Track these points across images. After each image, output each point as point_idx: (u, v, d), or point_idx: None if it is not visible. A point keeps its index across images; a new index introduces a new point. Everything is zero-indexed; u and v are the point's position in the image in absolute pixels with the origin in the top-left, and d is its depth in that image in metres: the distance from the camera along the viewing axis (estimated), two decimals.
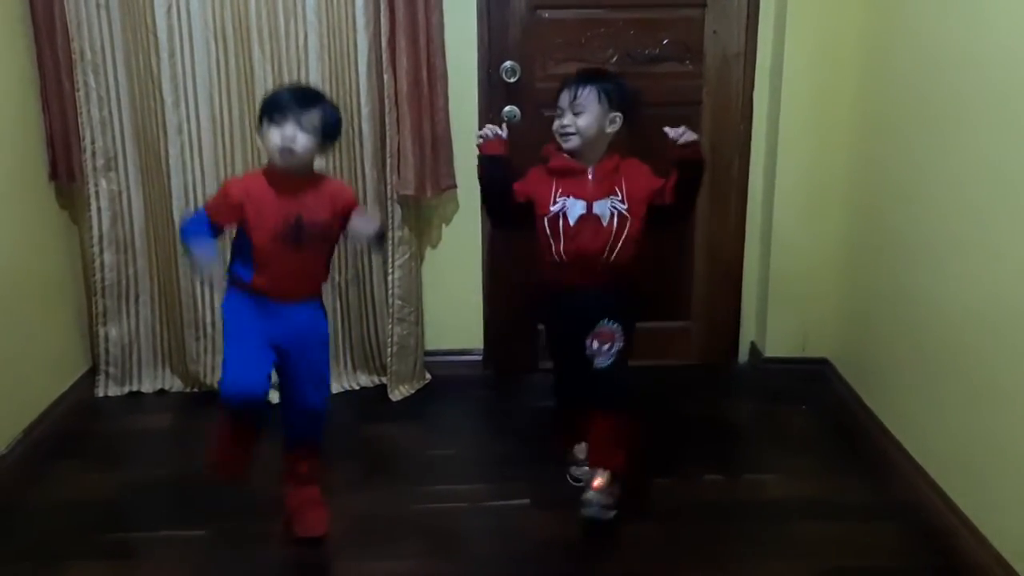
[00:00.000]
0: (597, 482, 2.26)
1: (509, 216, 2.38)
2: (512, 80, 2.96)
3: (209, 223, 2.11)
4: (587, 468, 2.37)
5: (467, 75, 2.93)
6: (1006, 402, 2.00)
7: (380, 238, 2.28)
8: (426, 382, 3.12)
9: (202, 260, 2.08)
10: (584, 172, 2.28)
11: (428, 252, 3.08)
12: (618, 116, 2.27)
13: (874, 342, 2.74)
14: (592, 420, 2.30)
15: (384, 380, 3.06)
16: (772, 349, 3.13)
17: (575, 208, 2.26)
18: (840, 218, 2.95)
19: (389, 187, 2.88)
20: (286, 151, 2.06)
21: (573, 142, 2.26)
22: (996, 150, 2.03)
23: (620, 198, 2.26)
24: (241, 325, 2.17)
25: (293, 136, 2.05)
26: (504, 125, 2.34)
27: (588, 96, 2.23)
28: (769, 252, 3.06)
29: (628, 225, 2.27)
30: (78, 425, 2.84)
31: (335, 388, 3.06)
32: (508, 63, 2.95)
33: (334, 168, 2.88)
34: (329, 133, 2.14)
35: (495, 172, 2.32)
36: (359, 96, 2.81)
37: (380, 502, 2.42)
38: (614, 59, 2.97)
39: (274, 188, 2.11)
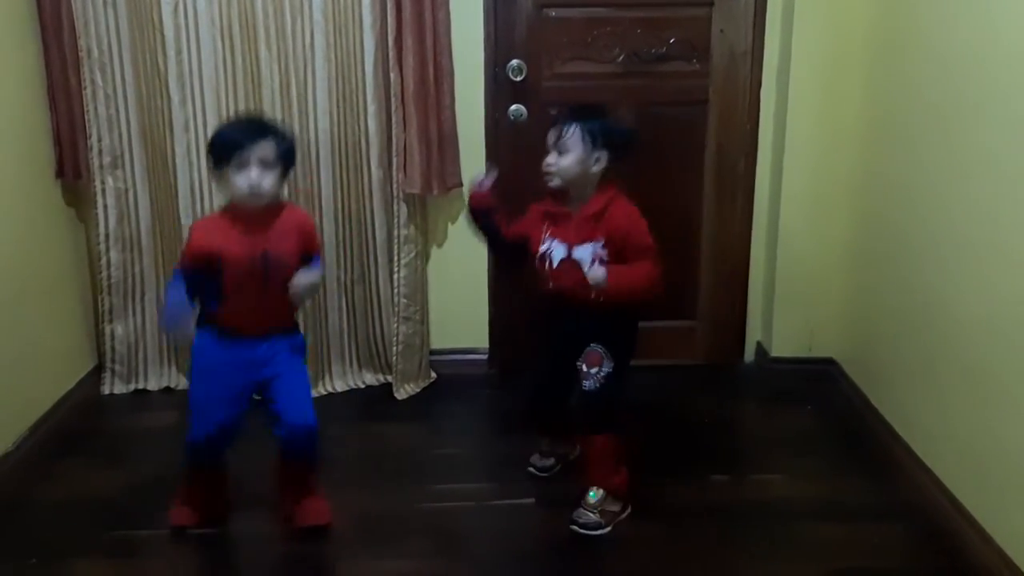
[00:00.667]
0: (588, 500, 2.30)
1: (506, 255, 2.45)
2: (518, 79, 2.96)
3: (183, 276, 2.10)
4: (551, 462, 2.53)
5: (473, 74, 2.92)
6: (1013, 403, 1.99)
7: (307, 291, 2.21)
8: (431, 381, 3.12)
9: (170, 317, 2.10)
10: (568, 216, 2.26)
11: (434, 251, 3.08)
12: (603, 155, 2.22)
13: (881, 342, 2.73)
14: (582, 442, 2.40)
15: (389, 379, 3.06)
16: (778, 349, 3.12)
17: (558, 251, 2.25)
18: (847, 218, 2.95)
19: (395, 186, 2.88)
20: (255, 194, 2.05)
21: (555, 181, 2.25)
22: (1004, 151, 2.03)
23: (603, 243, 2.20)
24: (211, 374, 2.18)
25: (259, 178, 2.03)
26: (490, 172, 2.37)
27: (572, 135, 2.21)
28: (776, 251, 3.05)
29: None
30: (84, 422, 2.85)
31: (340, 387, 3.06)
32: (514, 62, 2.95)
33: (341, 167, 2.89)
34: (288, 160, 2.12)
35: (481, 223, 2.37)
36: (365, 94, 2.81)
37: (385, 500, 2.42)
38: (620, 58, 2.97)
39: (238, 226, 2.10)
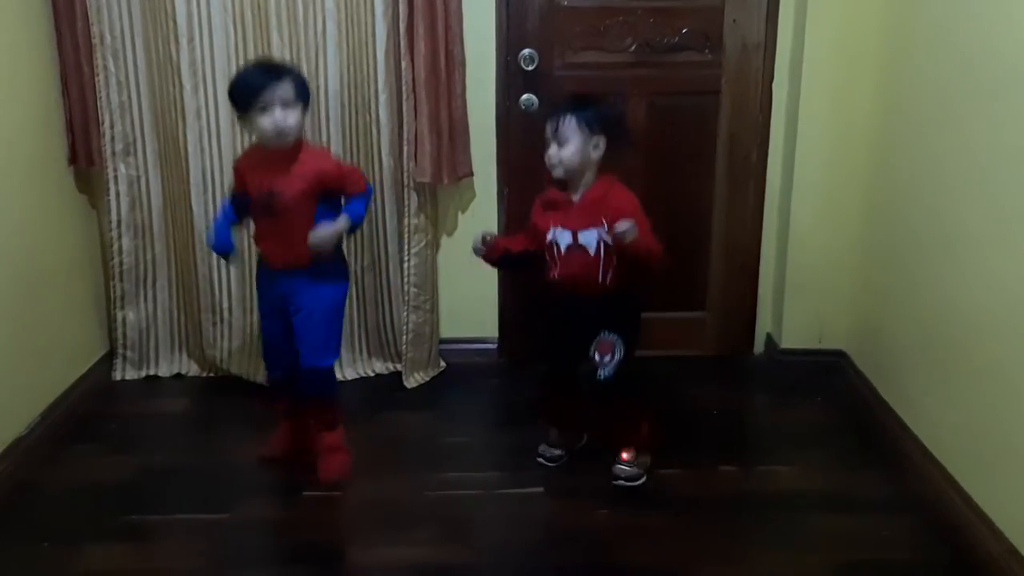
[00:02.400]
0: (625, 454, 2.45)
1: (522, 267, 2.49)
2: (530, 68, 2.95)
3: (232, 197, 2.37)
4: (560, 451, 2.55)
5: (485, 63, 2.92)
6: (1022, 396, 1.99)
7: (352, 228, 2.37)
8: (441, 370, 3.13)
9: (211, 234, 2.36)
10: (570, 202, 2.32)
11: (444, 240, 3.08)
12: (601, 140, 2.28)
13: (891, 335, 2.72)
14: (605, 418, 2.49)
15: (399, 367, 3.07)
16: (788, 341, 3.12)
17: (564, 237, 2.31)
18: (858, 210, 2.94)
19: (406, 174, 2.88)
20: (281, 133, 2.18)
21: (558, 172, 2.30)
22: (1017, 144, 2.01)
23: (606, 228, 2.25)
24: (259, 299, 2.49)
25: (284, 117, 2.16)
26: (483, 239, 2.45)
27: (569, 125, 2.26)
28: (786, 243, 3.04)
29: (615, 255, 2.28)
30: (95, 408, 2.87)
31: (350, 375, 3.07)
32: (526, 51, 2.94)
33: (352, 156, 2.89)
34: (305, 97, 2.25)
35: (507, 266, 2.56)
36: (377, 83, 2.81)
37: (394, 489, 2.43)
38: (632, 48, 2.96)
39: (258, 162, 2.29)
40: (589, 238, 2.27)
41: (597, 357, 2.32)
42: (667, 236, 3.10)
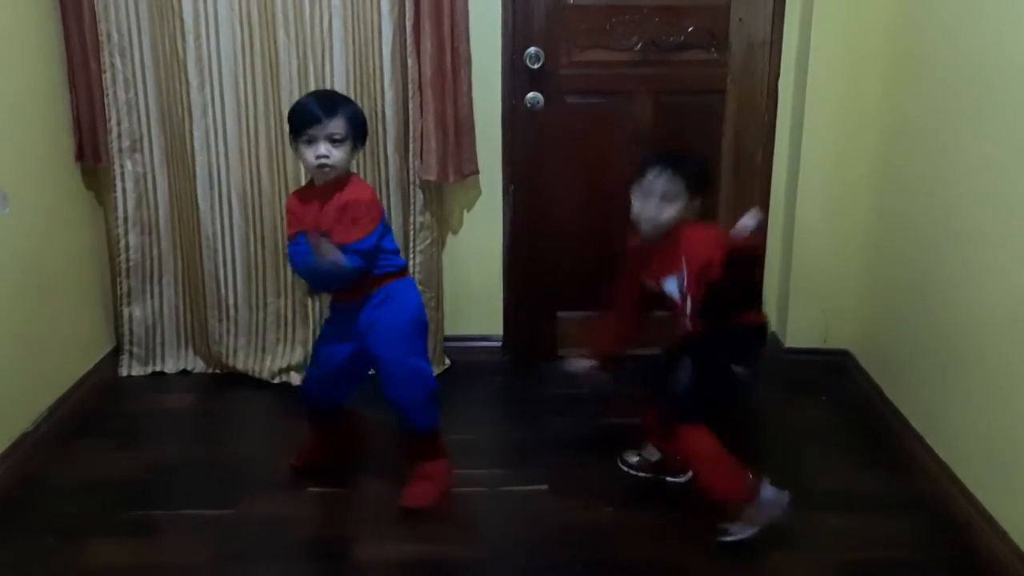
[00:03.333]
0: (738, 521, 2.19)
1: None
2: (536, 66, 2.95)
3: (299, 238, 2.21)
4: (636, 459, 2.49)
5: (491, 61, 2.92)
6: None
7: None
8: (446, 367, 3.13)
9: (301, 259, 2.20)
10: (652, 251, 2.22)
11: (449, 238, 3.09)
12: (698, 200, 2.18)
13: (896, 334, 2.72)
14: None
15: None
16: (793, 340, 3.11)
17: (660, 287, 2.22)
18: (864, 209, 2.93)
19: (411, 172, 2.88)
20: (323, 169, 2.15)
21: (647, 228, 2.19)
22: None
23: (685, 273, 2.14)
24: (322, 330, 2.44)
25: (328, 153, 2.13)
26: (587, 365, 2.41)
27: (671, 183, 2.13)
28: (792, 242, 3.04)
29: (697, 299, 2.15)
30: (102, 404, 2.87)
31: None
32: (532, 49, 2.94)
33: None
34: (360, 135, 2.20)
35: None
36: (383, 81, 2.81)
37: (399, 485, 2.42)
38: (638, 46, 2.96)
39: (306, 202, 2.22)
40: (672, 287, 2.18)
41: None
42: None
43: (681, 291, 2.16)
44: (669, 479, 2.46)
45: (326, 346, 2.37)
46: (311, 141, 2.13)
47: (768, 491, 2.15)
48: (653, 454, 2.49)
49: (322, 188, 2.20)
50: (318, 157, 2.13)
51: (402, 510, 2.28)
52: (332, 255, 2.11)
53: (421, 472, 2.34)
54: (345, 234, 2.14)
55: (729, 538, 2.17)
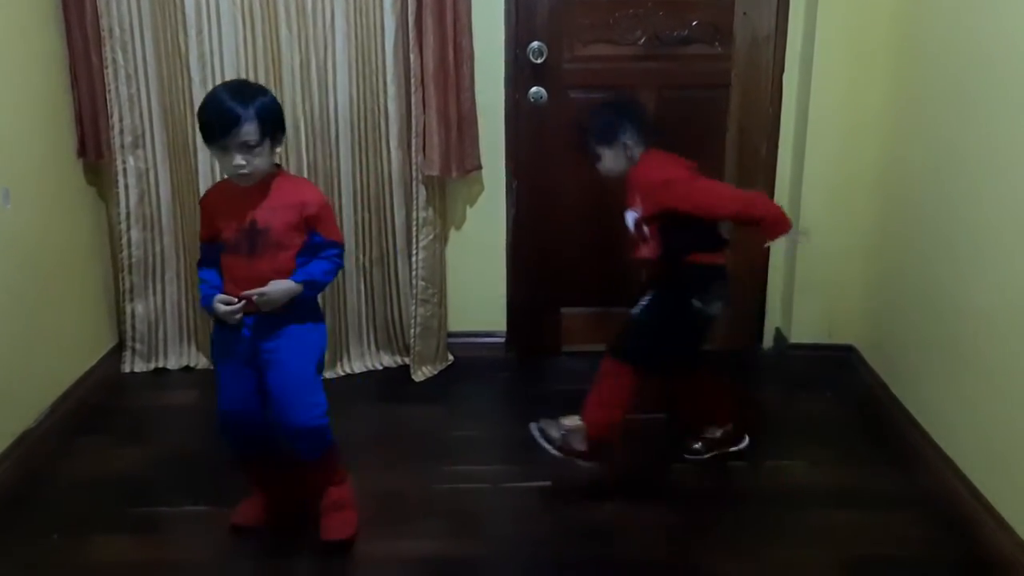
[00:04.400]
0: (569, 421, 2.35)
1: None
2: (539, 61, 2.94)
3: (206, 246, 2.11)
4: (699, 444, 2.55)
5: (494, 55, 2.91)
6: None
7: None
8: (449, 363, 3.12)
9: (205, 300, 2.06)
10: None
11: (452, 233, 3.08)
12: (625, 144, 2.37)
13: (901, 329, 2.71)
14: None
15: (407, 361, 3.07)
16: (797, 335, 3.10)
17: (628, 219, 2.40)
18: (869, 204, 2.92)
19: (414, 167, 2.87)
20: (242, 177, 1.99)
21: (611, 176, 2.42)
22: None
23: (639, 208, 2.34)
24: (222, 349, 2.13)
25: (243, 163, 1.96)
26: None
27: (593, 144, 2.39)
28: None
29: (648, 232, 2.34)
30: (104, 400, 2.87)
31: (358, 368, 3.07)
32: (535, 44, 2.93)
33: (360, 149, 2.88)
34: (275, 129, 2.02)
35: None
36: (385, 76, 2.80)
37: (402, 482, 2.43)
38: (642, 40, 2.94)
39: (230, 199, 2.05)
40: (629, 218, 2.38)
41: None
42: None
43: (638, 222, 2.33)
44: (732, 449, 2.54)
45: (237, 388, 2.10)
46: (224, 149, 1.96)
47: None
48: (712, 432, 2.54)
49: (253, 185, 2.03)
50: (236, 167, 1.96)
51: (325, 544, 2.14)
52: (285, 288, 2.00)
53: (333, 502, 2.19)
54: (329, 229, 2.09)
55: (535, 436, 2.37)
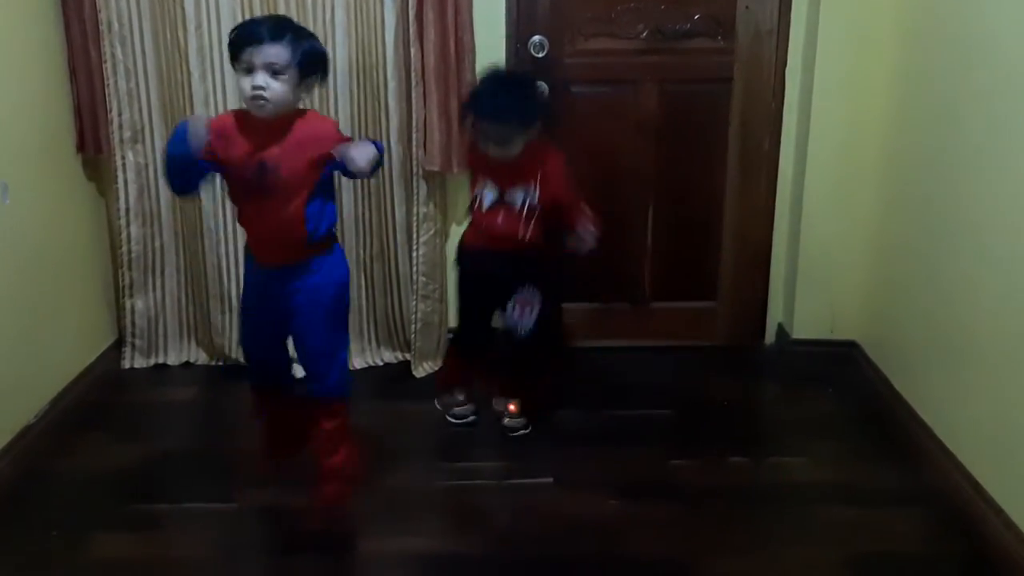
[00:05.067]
0: (512, 407, 2.62)
1: None
2: (540, 55, 2.92)
3: (187, 141, 1.94)
4: (471, 407, 2.70)
5: (495, 50, 2.89)
6: None
7: (375, 169, 2.00)
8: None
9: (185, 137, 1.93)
10: (501, 163, 2.43)
11: (453, 229, 3.06)
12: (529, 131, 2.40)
13: (904, 325, 2.70)
14: (510, 367, 2.65)
15: (408, 356, 3.06)
16: (800, 331, 3.09)
17: (489, 196, 2.47)
18: (872, 199, 2.91)
19: (415, 163, 2.86)
20: (258, 101, 1.91)
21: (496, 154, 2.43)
22: None
23: (535, 191, 2.42)
24: (246, 294, 2.18)
25: (264, 84, 1.88)
26: None
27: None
28: (799, 232, 3.01)
29: (536, 213, 2.44)
30: (104, 396, 2.87)
31: (359, 364, 3.06)
32: (536, 38, 2.92)
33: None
34: (309, 67, 1.95)
35: None
36: (386, 70, 2.79)
37: (403, 478, 2.42)
38: (644, 34, 2.93)
39: (243, 129, 1.98)
40: (516, 197, 2.43)
41: (518, 312, 2.48)
42: (678, 225, 3.13)
43: (527, 202, 2.41)
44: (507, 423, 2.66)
45: (258, 319, 2.17)
46: (249, 69, 1.88)
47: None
48: (464, 395, 2.70)
49: (264, 120, 1.95)
50: (254, 88, 1.88)
51: (306, 530, 2.18)
52: (370, 151, 1.93)
53: (332, 467, 2.21)
54: (360, 145, 1.99)
55: (511, 432, 2.62)
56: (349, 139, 2.05)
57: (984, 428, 2.21)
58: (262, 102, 1.90)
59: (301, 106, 2.05)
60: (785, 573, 2.08)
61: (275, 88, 1.90)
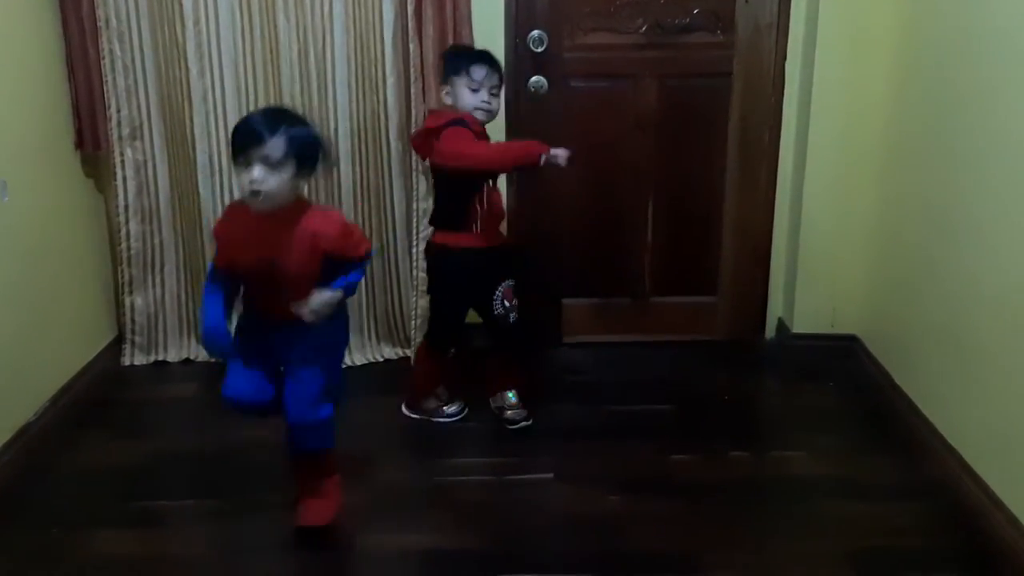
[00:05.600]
0: (514, 400, 2.65)
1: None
2: (539, 50, 2.92)
3: (217, 271, 2.06)
4: (456, 407, 2.72)
5: (494, 45, 2.87)
6: None
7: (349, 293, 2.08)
8: (450, 355, 3.10)
9: (208, 340, 2.05)
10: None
11: None
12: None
13: (904, 319, 2.69)
14: (499, 361, 2.69)
15: (408, 352, 3.06)
16: (800, 325, 3.09)
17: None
18: (873, 193, 2.90)
19: (414, 158, 2.85)
20: (254, 196, 1.90)
21: (488, 120, 2.49)
22: None
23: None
24: (242, 338, 2.13)
25: (261, 179, 1.88)
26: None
27: (497, 80, 2.48)
28: (799, 226, 3.01)
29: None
30: (104, 393, 2.86)
31: (359, 360, 3.06)
32: (535, 32, 2.91)
33: (359, 139, 2.86)
34: (306, 159, 1.95)
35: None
36: (384, 66, 2.78)
37: (404, 474, 2.42)
38: (643, 29, 2.92)
39: (249, 226, 1.99)
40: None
41: (506, 304, 2.54)
42: (677, 220, 3.13)
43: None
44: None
45: (257, 355, 2.12)
46: (246, 164, 1.89)
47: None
48: (446, 393, 2.73)
49: (272, 215, 1.96)
50: (251, 181, 1.88)
51: (299, 530, 2.15)
52: (328, 300, 2.00)
53: (314, 488, 2.18)
54: (355, 249, 2.06)
55: (513, 425, 2.64)
56: (347, 229, 2.06)
57: (985, 422, 2.20)
58: (260, 196, 1.90)
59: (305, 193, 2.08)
60: (786, 568, 2.08)
61: (270, 182, 1.89)
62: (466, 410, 2.72)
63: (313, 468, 2.19)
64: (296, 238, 1.97)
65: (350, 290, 2.08)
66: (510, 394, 2.66)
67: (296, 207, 1.99)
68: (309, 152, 1.96)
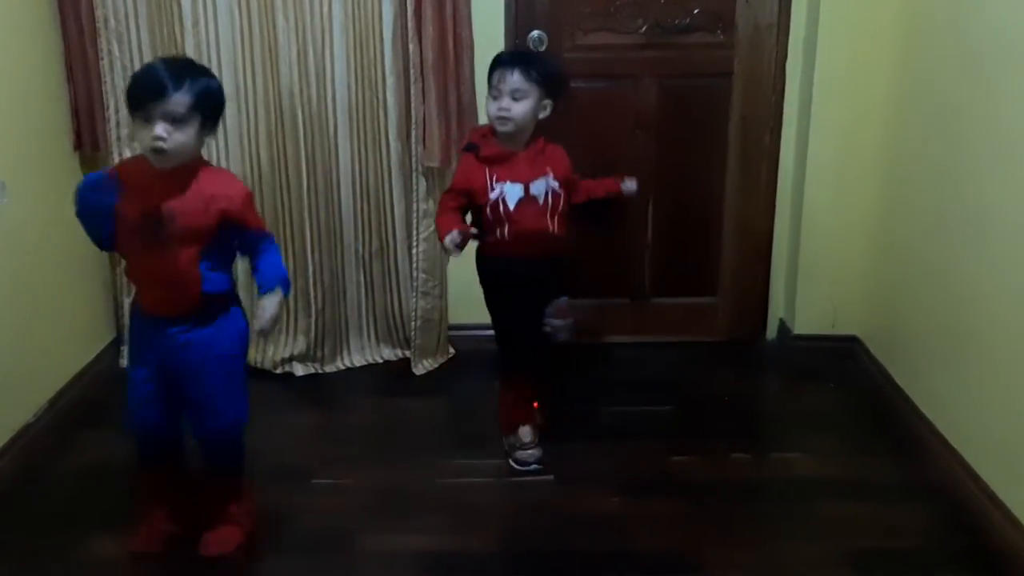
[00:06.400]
0: (528, 440, 2.45)
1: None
2: (540, 50, 2.91)
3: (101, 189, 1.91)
4: (532, 451, 2.45)
5: (494, 45, 2.87)
6: None
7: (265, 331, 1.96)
8: (450, 356, 3.11)
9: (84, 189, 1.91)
10: (516, 155, 2.31)
11: None
12: (549, 103, 2.31)
13: (905, 320, 2.69)
14: (519, 385, 2.48)
15: (408, 354, 3.05)
16: (801, 326, 3.08)
17: (514, 192, 2.29)
18: (873, 193, 2.90)
19: (414, 159, 2.85)
20: (157, 154, 1.81)
21: (508, 127, 2.28)
22: None
23: (552, 176, 2.32)
24: (132, 350, 2.07)
25: (163, 133, 1.78)
26: (459, 239, 2.29)
27: (525, 82, 2.25)
28: (799, 227, 3.00)
29: (561, 202, 2.33)
30: (103, 395, 2.85)
31: (358, 361, 3.05)
32: (535, 33, 2.91)
33: (359, 140, 2.86)
34: (210, 111, 1.86)
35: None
36: (384, 66, 2.78)
37: (403, 476, 2.42)
38: (643, 29, 2.92)
39: (144, 176, 1.87)
40: (539, 188, 2.30)
41: (559, 322, 2.37)
42: (678, 220, 3.12)
43: (547, 191, 2.30)
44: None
45: (149, 392, 2.03)
46: (147, 119, 1.78)
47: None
48: (526, 436, 2.47)
49: (167, 169, 1.85)
50: (153, 137, 1.77)
51: (205, 559, 2.08)
52: (277, 303, 1.91)
53: (226, 516, 2.12)
54: (256, 218, 1.98)
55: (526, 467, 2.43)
56: (252, 199, 1.99)
57: (986, 422, 2.20)
58: (162, 153, 1.81)
59: (204, 154, 1.99)
60: (787, 568, 2.07)
61: (175, 138, 1.80)
62: (538, 466, 2.44)
63: (226, 488, 2.11)
64: (192, 194, 1.86)
65: (285, 281, 1.96)
66: (526, 430, 2.46)
67: (196, 164, 1.91)
68: (214, 106, 1.88)
